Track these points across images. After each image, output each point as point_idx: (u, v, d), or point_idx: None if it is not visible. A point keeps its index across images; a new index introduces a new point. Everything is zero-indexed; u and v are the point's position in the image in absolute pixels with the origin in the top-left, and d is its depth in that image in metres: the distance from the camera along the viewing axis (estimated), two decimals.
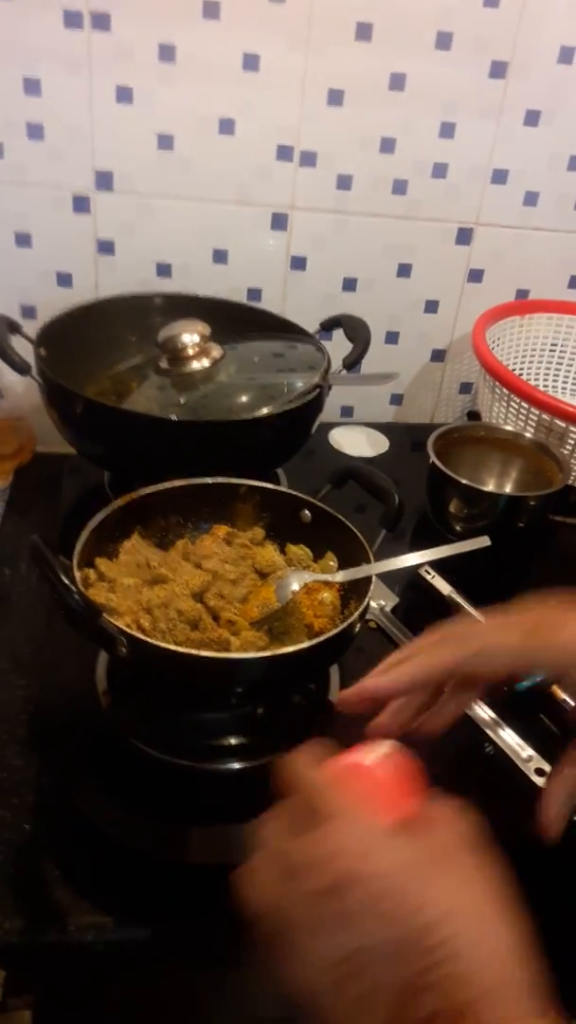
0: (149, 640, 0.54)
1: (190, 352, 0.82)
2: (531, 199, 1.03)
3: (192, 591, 0.63)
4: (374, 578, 0.64)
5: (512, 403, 0.92)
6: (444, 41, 0.92)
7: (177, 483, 0.70)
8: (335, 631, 0.58)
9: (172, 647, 0.54)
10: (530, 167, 1.01)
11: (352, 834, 0.35)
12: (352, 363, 0.89)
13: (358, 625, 0.62)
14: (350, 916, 0.33)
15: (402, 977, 0.32)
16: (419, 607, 0.82)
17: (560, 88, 0.97)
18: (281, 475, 0.92)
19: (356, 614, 0.60)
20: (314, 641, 0.57)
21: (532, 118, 0.98)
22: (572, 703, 0.72)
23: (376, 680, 0.47)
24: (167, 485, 0.69)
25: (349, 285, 1.05)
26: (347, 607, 0.68)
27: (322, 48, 0.91)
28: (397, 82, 0.94)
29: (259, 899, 0.35)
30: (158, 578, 0.63)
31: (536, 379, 1.08)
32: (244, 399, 0.81)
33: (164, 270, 1.00)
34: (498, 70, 0.95)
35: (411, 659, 0.48)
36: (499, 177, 1.01)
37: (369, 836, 0.35)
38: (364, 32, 0.91)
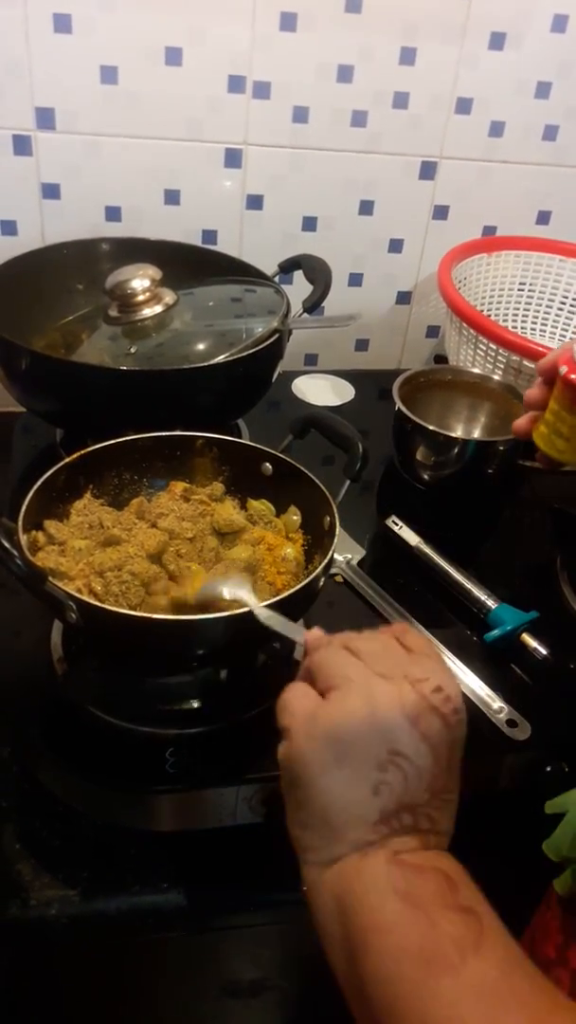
0: (100, 605, 0.52)
1: (141, 298, 0.78)
2: (497, 129, 0.98)
3: (148, 552, 0.60)
4: (339, 531, 0.62)
5: (480, 345, 0.89)
6: None
7: (130, 437, 0.67)
8: (296, 587, 0.56)
9: (124, 611, 0.52)
10: (496, 95, 0.96)
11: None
12: (313, 306, 0.86)
13: (322, 580, 0.59)
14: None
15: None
16: (387, 559, 0.80)
17: (528, 7, 0.92)
18: (242, 427, 0.89)
19: (319, 569, 0.57)
20: (275, 599, 0.55)
21: (497, 41, 0.93)
22: (543, 651, 0.71)
23: None
24: (119, 440, 0.66)
25: (309, 224, 1.00)
26: (311, 562, 0.66)
27: None
28: (354, 4, 0.88)
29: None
30: (111, 539, 0.60)
31: (504, 319, 1.05)
32: (200, 347, 0.78)
33: (113, 213, 0.95)
34: None
35: None
36: (463, 107, 0.96)
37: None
38: None
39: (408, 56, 0.92)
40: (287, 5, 0.87)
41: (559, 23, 0.93)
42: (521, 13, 0.92)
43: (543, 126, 0.99)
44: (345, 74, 0.92)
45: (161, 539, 0.62)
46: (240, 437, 0.85)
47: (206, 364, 0.74)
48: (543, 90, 0.97)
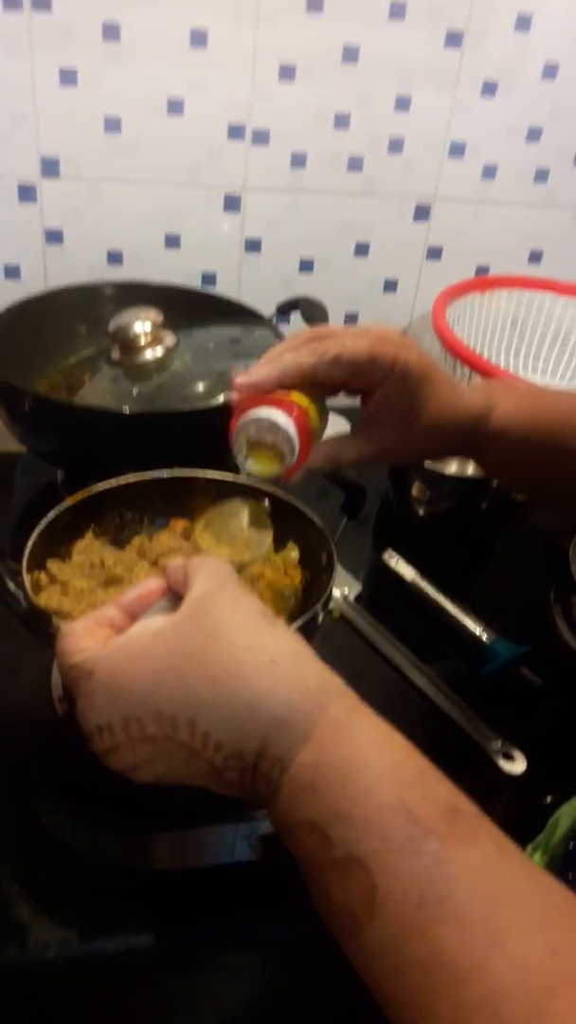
0: None
1: (142, 341, 0.80)
2: (489, 172, 1.01)
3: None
4: (337, 568, 0.63)
5: (474, 382, 0.91)
6: (398, 10, 0.90)
7: (131, 478, 0.68)
8: (294, 625, 0.57)
9: None
10: (488, 139, 0.99)
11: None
12: None
13: (320, 616, 0.60)
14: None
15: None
16: (383, 593, 0.81)
17: (517, 57, 0.95)
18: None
19: (316, 606, 0.58)
20: None
21: (489, 89, 0.96)
22: (538, 683, 0.72)
23: (250, 376, 0.52)
24: (121, 480, 0.68)
25: (306, 266, 1.03)
26: (309, 598, 0.67)
27: (272, 21, 0.88)
28: (350, 54, 0.91)
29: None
30: (113, 579, 0.61)
31: (498, 356, 1.07)
32: (200, 388, 0.80)
33: (115, 258, 0.97)
34: (454, 39, 0.92)
35: (279, 357, 0.52)
36: (456, 150, 0.99)
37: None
38: (315, 3, 0.88)
39: (403, 103, 0.95)
40: (286, 57, 0.90)
41: (550, 71, 0.96)
42: (512, 62, 0.95)
43: (535, 169, 1.02)
44: (342, 121, 0.95)
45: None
46: (238, 475, 0.87)
47: (206, 406, 0.76)
48: (534, 134, 1.00)
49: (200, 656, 0.38)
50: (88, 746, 0.40)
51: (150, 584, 0.45)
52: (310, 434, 0.53)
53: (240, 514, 0.61)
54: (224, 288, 1.01)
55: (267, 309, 0.92)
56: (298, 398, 0.52)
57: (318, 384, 0.54)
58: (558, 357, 1.07)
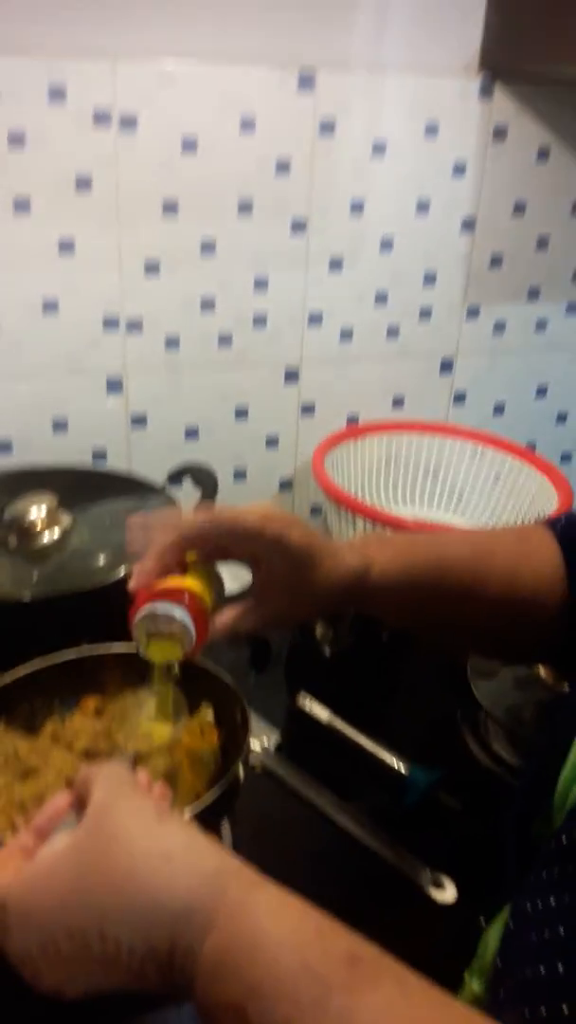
0: None
1: (39, 526, 0.83)
2: (347, 334, 1.12)
3: (67, 778, 0.62)
4: (252, 723, 0.65)
5: (357, 522, 0.98)
6: (246, 206, 1.01)
7: (38, 663, 0.70)
8: (217, 791, 0.58)
9: None
10: (341, 307, 1.10)
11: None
12: None
13: (242, 776, 0.62)
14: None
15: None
16: (302, 737, 0.83)
17: (356, 236, 1.07)
18: None
19: (236, 767, 0.60)
20: (198, 804, 0.57)
21: (336, 264, 1.08)
22: (458, 807, 0.75)
23: (144, 571, 0.55)
24: (28, 668, 0.69)
25: (191, 433, 1.10)
26: (227, 756, 0.68)
27: (133, 224, 0.98)
28: (208, 247, 1.02)
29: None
30: (28, 770, 0.62)
31: (376, 495, 1.15)
32: (101, 562, 0.83)
33: (4, 447, 1.02)
34: (299, 226, 1.04)
35: (153, 552, 0.56)
36: (315, 319, 1.10)
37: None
38: (171, 206, 0.98)
39: (261, 284, 1.06)
40: (149, 254, 1.00)
41: (386, 244, 1.09)
42: (352, 240, 1.07)
43: (386, 326, 1.14)
44: (208, 304, 1.04)
45: (77, 764, 0.64)
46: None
47: (108, 581, 0.79)
48: (381, 298, 1.12)
49: (100, 867, 0.40)
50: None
51: (57, 801, 0.48)
52: (206, 615, 0.56)
53: (147, 704, 0.63)
54: (115, 462, 1.06)
55: (158, 477, 0.97)
56: (190, 582, 0.56)
57: (209, 557, 0.58)
58: (431, 489, 1.16)
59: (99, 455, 1.06)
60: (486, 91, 1.04)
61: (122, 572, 0.80)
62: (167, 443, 1.09)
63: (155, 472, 0.98)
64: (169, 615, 0.54)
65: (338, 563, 0.59)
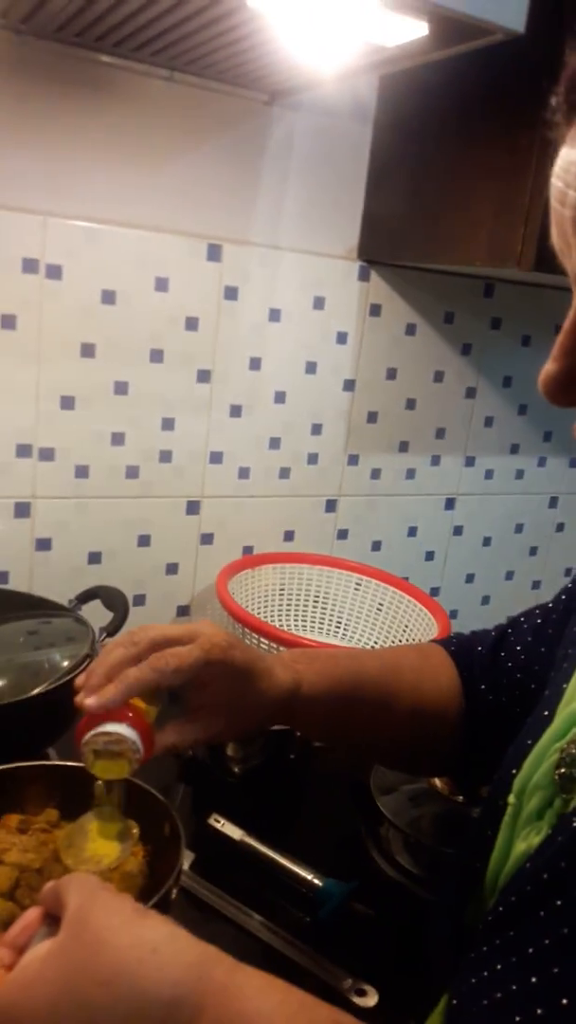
0: None
1: None
2: (244, 473, 1.21)
3: (1, 891, 0.61)
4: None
5: (262, 642, 1.03)
6: (157, 356, 1.11)
7: None
8: (149, 905, 0.59)
9: None
10: (240, 448, 1.20)
11: None
12: (115, 630, 0.95)
13: (174, 892, 0.63)
14: None
15: None
16: (216, 856, 0.83)
17: (254, 388, 1.19)
18: (52, 752, 0.92)
19: (170, 881, 0.61)
20: None
21: (236, 411, 1.19)
22: (370, 912, 0.78)
23: (101, 697, 0.56)
24: None
25: (95, 558, 1.13)
26: (154, 872, 0.68)
27: (52, 363, 1.05)
28: (121, 388, 1.10)
29: None
30: None
31: (272, 618, 1.22)
32: (3, 683, 0.83)
33: None
34: (204, 376, 1.15)
35: (125, 677, 0.57)
36: (216, 458, 1.19)
37: None
38: (88, 351, 1.06)
39: (168, 423, 1.14)
40: (65, 390, 1.06)
41: (280, 396, 1.21)
42: (250, 391, 1.19)
43: (279, 468, 1.24)
44: (118, 439, 1.11)
45: (11, 875, 0.63)
46: (49, 760, 0.87)
47: (19, 699, 0.78)
48: (275, 443, 1.23)
49: (88, 966, 0.42)
50: None
51: (29, 915, 0.48)
52: (151, 732, 0.58)
53: (89, 827, 0.63)
54: (17, 583, 1.07)
55: (62, 599, 0.99)
56: (136, 701, 0.58)
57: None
58: (320, 616, 1.24)
59: (0, 577, 1.07)
60: (364, 274, 1.22)
61: (35, 692, 0.80)
62: (70, 566, 1.11)
63: (57, 594, 1.00)
64: (119, 735, 0.55)
65: (273, 680, 0.64)
